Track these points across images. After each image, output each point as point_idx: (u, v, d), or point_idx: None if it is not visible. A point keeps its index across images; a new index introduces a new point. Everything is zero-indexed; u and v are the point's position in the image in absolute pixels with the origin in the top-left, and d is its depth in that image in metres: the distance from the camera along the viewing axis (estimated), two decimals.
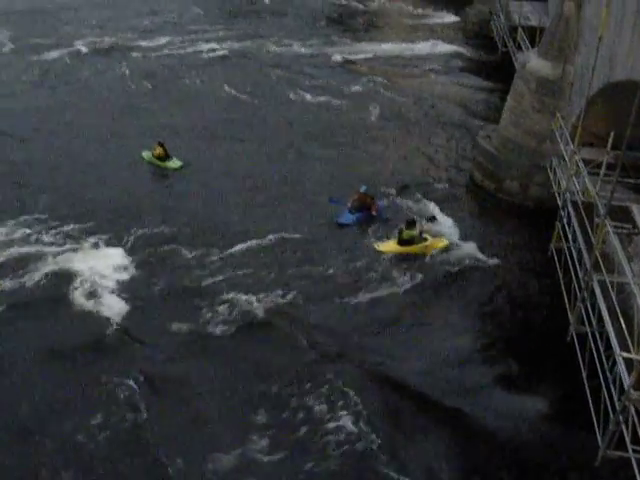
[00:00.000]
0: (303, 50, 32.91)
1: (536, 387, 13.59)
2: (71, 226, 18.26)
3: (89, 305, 15.59)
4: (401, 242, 17.32)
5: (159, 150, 21.52)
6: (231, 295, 15.77)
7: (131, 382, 13.42)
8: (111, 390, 13.25)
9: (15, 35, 35.61)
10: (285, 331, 14.95)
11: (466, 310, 15.88)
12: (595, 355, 11.72)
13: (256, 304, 15.51)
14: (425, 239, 17.43)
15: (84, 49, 33.32)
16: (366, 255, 17.35)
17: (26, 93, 28.31)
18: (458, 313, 15.79)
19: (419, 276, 16.65)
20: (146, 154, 21.96)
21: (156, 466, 11.82)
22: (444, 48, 33.33)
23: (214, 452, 12.01)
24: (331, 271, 16.72)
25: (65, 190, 20.27)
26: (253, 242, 17.77)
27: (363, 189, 18.84)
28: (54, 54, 33.06)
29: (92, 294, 15.88)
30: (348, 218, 18.53)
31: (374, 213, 18.65)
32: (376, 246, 17.59)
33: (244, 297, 15.69)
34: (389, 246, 17.51)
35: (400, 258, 17.19)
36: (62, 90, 28.71)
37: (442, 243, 17.57)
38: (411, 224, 17.39)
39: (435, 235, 17.84)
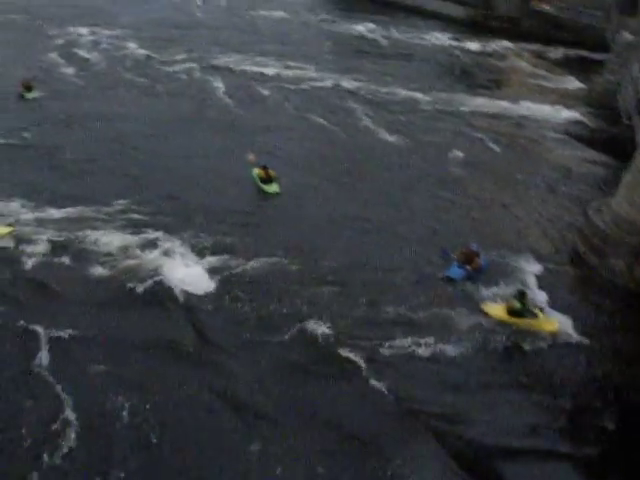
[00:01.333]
0: (413, 95, 32.82)
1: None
2: (168, 229, 18.95)
3: (169, 306, 16.03)
4: (509, 312, 16.45)
5: (262, 172, 22.04)
6: (312, 326, 15.51)
7: (211, 400, 13.51)
8: (188, 401, 13.37)
9: (149, 45, 38.03)
10: (359, 373, 14.51)
11: (543, 384, 14.86)
12: None
13: (338, 341, 15.17)
14: (536, 315, 16.37)
15: (211, 65, 35.05)
16: (467, 313, 16.56)
17: (150, 101, 30.03)
18: (533, 386, 14.78)
19: (503, 340, 15.84)
20: (255, 172, 22.48)
21: None
22: (564, 114, 32.32)
23: None
24: (426, 321, 16.12)
25: (167, 192, 21.22)
26: (346, 278, 17.54)
27: (475, 247, 18.32)
28: (181, 67, 34.99)
29: (173, 297, 16.29)
30: (457, 273, 17.89)
31: (468, 268, 17.95)
32: (483, 306, 16.84)
33: (327, 332, 15.37)
34: (496, 310, 16.59)
35: (497, 322, 16.36)
36: (181, 101, 30.20)
37: (551, 326, 16.27)
38: (522, 295, 16.51)
39: (546, 313, 16.69)
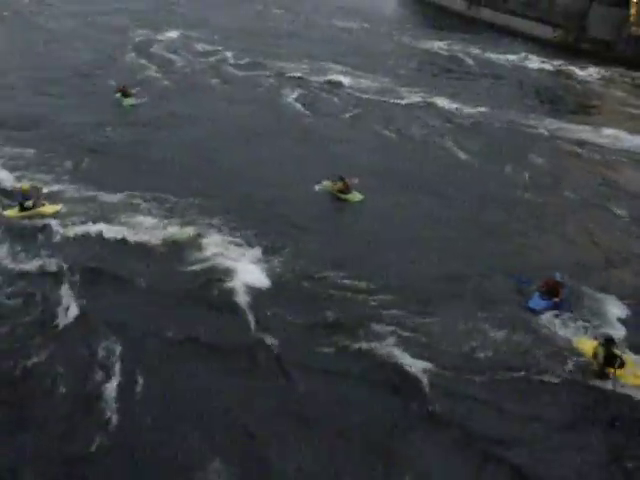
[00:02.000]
0: (492, 114, 31.83)
1: None
2: (235, 229, 18.94)
3: (224, 303, 15.93)
4: (594, 356, 14.96)
5: (340, 184, 21.92)
6: (367, 337, 14.90)
7: (255, 399, 13.27)
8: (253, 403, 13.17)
9: (231, 51, 39.02)
10: (413, 388, 13.77)
11: (619, 435, 13.73)
12: None
13: (392, 353, 14.54)
14: (622, 365, 14.68)
15: (288, 74, 35.51)
16: (555, 350, 15.33)
17: (228, 105, 30.68)
18: (605, 435, 13.70)
19: (582, 380, 14.57)
20: (325, 184, 22.38)
21: None
22: None
23: None
24: (491, 347, 15.10)
25: (239, 194, 21.35)
26: (411, 294, 16.81)
27: (558, 277, 17.34)
28: (259, 73, 35.82)
29: (230, 293, 16.20)
30: (540, 304, 16.83)
31: (556, 300, 16.82)
32: (575, 340, 15.70)
33: (383, 343, 14.73)
34: (586, 348, 15.30)
35: (580, 359, 15.11)
36: (257, 107, 30.73)
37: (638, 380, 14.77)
38: (609, 343, 15.22)
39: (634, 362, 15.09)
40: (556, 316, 16.50)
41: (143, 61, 36.98)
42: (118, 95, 29.52)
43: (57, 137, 25.38)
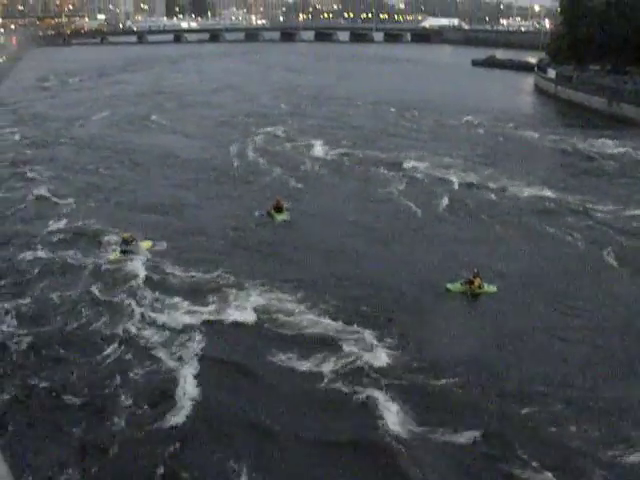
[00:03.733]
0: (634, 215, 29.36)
1: None
2: (364, 325, 18.89)
3: (360, 402, 15.63)
4: None
5: (478, 281, 21.42)
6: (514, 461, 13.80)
7: None
8: None
9: (352, 148, 40.90)
10: None
11: None
12: None
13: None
14: None
15: (416, 174, 35.50)
16: None
17: (349, 206, 30.96)
18: None
19: None
20: (452, 286, 21.74)
21: None
22: None
23: None
24: None
25: (366, 295, 21.22)
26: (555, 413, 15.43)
27: None
28: (375, 171, 36.27)
29: (364, 392, 15.91)
30: None
31: None
32: None
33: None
34: None
35: None
36: (381, 207, 30.88)
37: None
38: None
39: None
40: None
41: (267, 162, 38.57)
42: (271, 209, 28.40)
43: (193, 232, 26.87)
